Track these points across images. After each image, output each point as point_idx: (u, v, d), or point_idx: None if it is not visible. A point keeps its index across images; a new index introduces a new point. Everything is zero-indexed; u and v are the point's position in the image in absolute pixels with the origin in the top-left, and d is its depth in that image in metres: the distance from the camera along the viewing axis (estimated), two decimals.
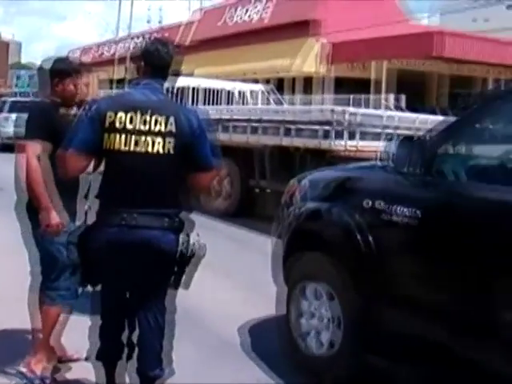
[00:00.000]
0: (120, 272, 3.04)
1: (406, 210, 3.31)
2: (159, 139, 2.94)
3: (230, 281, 6.08)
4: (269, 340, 4.49)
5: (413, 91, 21.79)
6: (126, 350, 3.18)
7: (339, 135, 8.43)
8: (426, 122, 8.63)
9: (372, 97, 21.77)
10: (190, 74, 19.67)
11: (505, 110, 3.50)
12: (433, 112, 14.86)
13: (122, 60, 33.95)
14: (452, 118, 3.66)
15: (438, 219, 3.29)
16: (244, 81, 18.68)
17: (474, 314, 3.06)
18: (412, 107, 15.84)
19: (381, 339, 3.53)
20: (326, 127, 8.50)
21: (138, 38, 35.27)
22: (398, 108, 17.38)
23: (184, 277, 3.09)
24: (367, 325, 3.54)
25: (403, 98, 20.28)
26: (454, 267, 3.16)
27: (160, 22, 40.59)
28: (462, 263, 3.14)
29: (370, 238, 3.54)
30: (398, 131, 8.42)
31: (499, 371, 3.00)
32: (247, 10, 29.28)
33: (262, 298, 4.87)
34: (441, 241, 3.24)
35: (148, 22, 42.77)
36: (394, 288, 3.46)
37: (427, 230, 3.29)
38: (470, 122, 3.49)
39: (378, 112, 10.66)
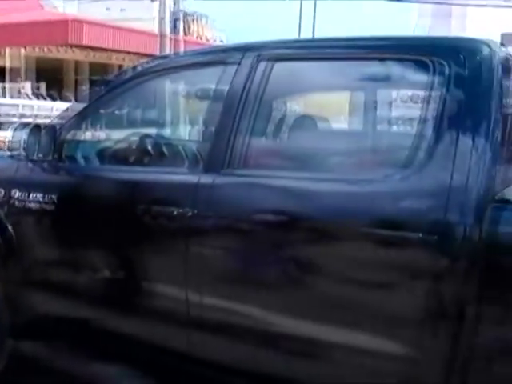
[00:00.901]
0: None
1: (40, 196, 3.41)
2: None
3: None
4: None
5: (53, 78, 21.61)
6: None
7: None
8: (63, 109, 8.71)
9: (8, 85, 20.99)
10: None
11: (125, 96, 3.78)
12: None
13: None
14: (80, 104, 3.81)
15: (71, 203, 3.44)
16: None
17: (109, 290, 3.31)
18: (52, 95, 15.77)
19: (29, 324, 3.60)
20: None
21: None
22: (38, 96, 17.13)
23: None
24: (14, 311, 3.58)
25: (43, 85, 20.00)
26: (90, 247, 3.36)
27: None
28: (95, 243, 3.34)
29: (10, 227, 3.56)
30: (38, 120, 8.40)
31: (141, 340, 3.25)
32: None
33: None
34: (77, 223, 3.40)
35: None
36: (40, 272, 3.53)
37: (63, 214, 3.43)
38: (95, 107, 3.67)
39: (15, 101, 10.47)
